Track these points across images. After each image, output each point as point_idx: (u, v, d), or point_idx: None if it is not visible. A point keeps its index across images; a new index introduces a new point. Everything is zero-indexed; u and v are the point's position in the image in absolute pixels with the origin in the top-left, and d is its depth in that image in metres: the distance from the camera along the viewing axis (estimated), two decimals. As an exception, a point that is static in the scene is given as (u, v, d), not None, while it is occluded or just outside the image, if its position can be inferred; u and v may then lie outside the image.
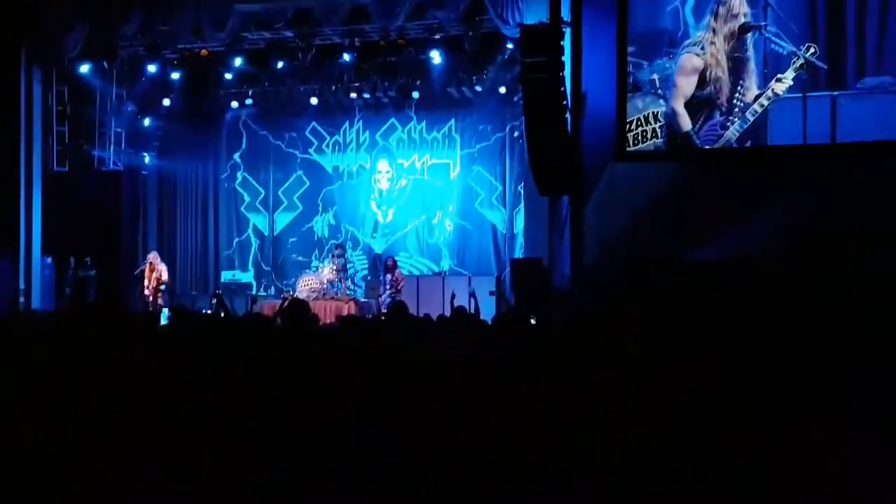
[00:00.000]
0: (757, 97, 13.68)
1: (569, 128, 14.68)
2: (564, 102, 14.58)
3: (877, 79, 13.09)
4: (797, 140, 13.59)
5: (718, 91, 14.00)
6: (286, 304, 8.81)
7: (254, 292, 20.19)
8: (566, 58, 14.59)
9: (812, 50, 13.28)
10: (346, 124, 20.98)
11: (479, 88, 18.85)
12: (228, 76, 19.60)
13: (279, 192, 21.51)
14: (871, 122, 13.09)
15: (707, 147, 14.10)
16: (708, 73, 14.06)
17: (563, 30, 14.52)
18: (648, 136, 14.49)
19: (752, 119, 13.73)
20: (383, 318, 13.22)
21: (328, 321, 13.90)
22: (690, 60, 14.16)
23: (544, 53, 14.53)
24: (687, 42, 14.14)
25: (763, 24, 13.64)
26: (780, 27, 13.52)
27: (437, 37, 17.17)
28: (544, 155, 14.83)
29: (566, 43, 14.59)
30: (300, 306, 7.40)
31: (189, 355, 5.26)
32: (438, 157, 20.46)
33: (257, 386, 4.20)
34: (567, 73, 14.61)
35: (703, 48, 14.10)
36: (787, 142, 13.69)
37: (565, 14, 14.54)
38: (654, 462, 3.29)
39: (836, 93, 13.30)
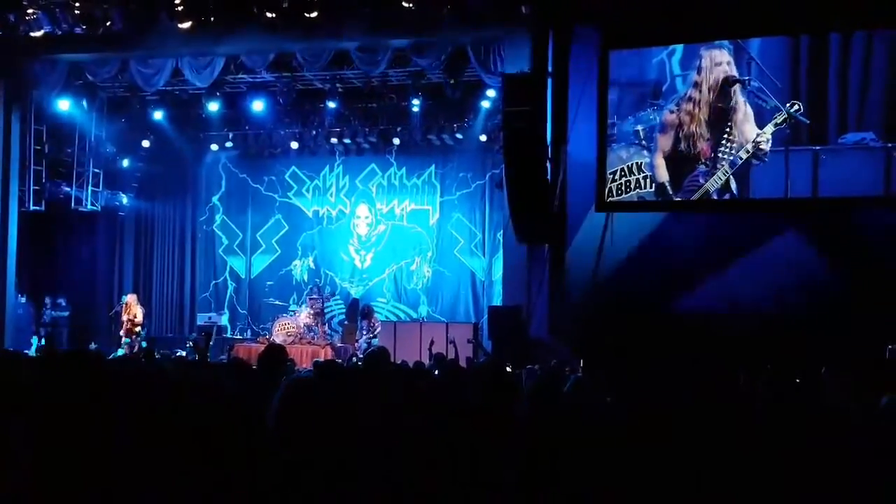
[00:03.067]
0: (740, 148, 13.75)
1: (549, 177, 14.69)
2: (545, 152, 14.60)
3: (858, 134, 13.19)
4: (779, 193, 13.66)
5: (693, 146, 14.06)
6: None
7: (229, 335, 20.00)
8: (548, 107, 14.64)
9: (796, 107, 13.38)
10: (326, 169, 20.97)
11: (459, 136, 18.91)
12: (208, 118, 19.55)
13: (257, 236, 21.43)
14: (851, 177, 13.18)
15: (688, 199, 14.14)
16: (682, 131, 14.14)
17: (546, 79, 14.58)
18: (632, 186, 14.52)
19: (731, 171, 13.80)
20: (360, 364, 13.10)
21: (304, 366, 13.79)
22: (666, 118, 14.26)
23: (526, 103, 14.57)
24: (672, 97, 14.24)
25: (747, 78, 13.75)
26: (763, 82, 13.63)
27: (419, 84, 17.20)
28: (524, 204, 14.82)
29: (548, 92, 14.65)
30: (277, 351, 7.30)
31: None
32: (418, 203, 20.47)
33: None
34: (549, 122, 14.65)
35: (677, 105, 14.18)
36: (769, 195, 13.76)
37: (548, 63, 14.60)
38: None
39: (817, 147, 13.39)
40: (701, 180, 14.06)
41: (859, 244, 12.76)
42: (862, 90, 13.27)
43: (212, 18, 15.11)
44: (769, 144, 13.55)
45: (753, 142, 13.62)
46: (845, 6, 12.87)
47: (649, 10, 13.72)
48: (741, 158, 13.75)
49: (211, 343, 15.00)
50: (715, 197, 13.97)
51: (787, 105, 13.45)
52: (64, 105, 18.25)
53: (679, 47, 14.29)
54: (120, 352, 17.06)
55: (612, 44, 14.61)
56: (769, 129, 13.55)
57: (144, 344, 17.72)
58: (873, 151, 13.08)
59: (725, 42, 13.95)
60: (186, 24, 15.14)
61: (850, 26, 13.26)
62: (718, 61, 13.95)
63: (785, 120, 13.47)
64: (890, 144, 13.01)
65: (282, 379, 6.66)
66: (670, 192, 14.25)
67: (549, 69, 14.65)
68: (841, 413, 4.86)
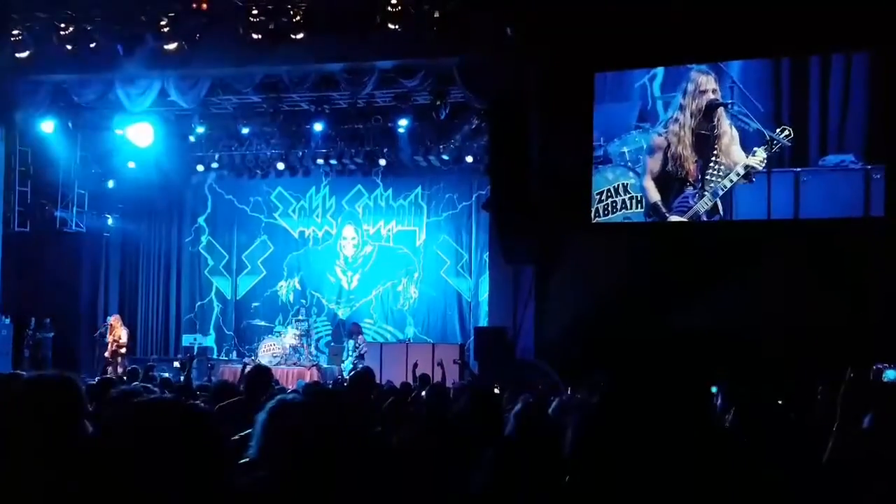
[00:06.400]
0: (727, 172, 13.87)
1: (535, 198, 14.73)
2: (531, 173, 14.65)
3: (838, 156, 13.34)
4: (762, 215, 13.76)
5: (681, 167, 14.20)
6: (247, 370, 8.64)
7: (215, 356, 19.92)
8: (534, 129, 14.69)
9: (786, 132, 13.52)
10: (313, 189, 20.97)
11: (446, 157, 18.91)
12: (194, 140, 19.55)
13: (243, 257, 21.38)
14: (832, 199, 13.32)
15: (674, 219, 14.25)
16: (670, 151, 14.26)
17: (532, 101, 14.64)
18: (619, 206, 14.62)
19: (720, 193, 13.91)
20: (346, 384, 13.07)
21: (290, 387, 13.74)
22: (654, 140, 14.39)
23: (512, 124, 14.64)
24: (659, 121, 14.38)
25: (730, 102, 13.88)
26: (746, 106, 13.77)
27: (405, 105, 17.24)
28: (509, 225, 14.87)
29: (534, 114, 14.71)
30: (262, 373, 7.28)
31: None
32: (404, 225, 20.47)
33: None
34: (534, 144, 14.70)
35: (665, 127, 14.33)
36: (752, 216, 13.91)
37: (534, 85, 14.66)
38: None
39: (798, 169, 13.52)
40: (691, 202, 14.19)
41: (840, 265, 12.85)
42: (842, 112, 13.44)
43: (197, 38, 15.12)
44: (762, 165, 13.69)
45: (744, 166, 13.74)
46: (823, 28, 12.99)
47: (633, 33, 13.80)
48: (725, 187, 13.90)
49: (193, 364, 14.92)
50: (704, 218, 14.08)
51: (778, 130, 13.60)
52: (49, 126, 18.21)
53: (660, 72, 14.45)
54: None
55: (597, 66, 14.71)
56: (761, 153, 13.67)
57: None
58: (853, 173, 13.24)
59: (705, 66, 14.11)
60: (172, 45, 15.15)
61: (828, 48, 13.42)
62: (704, 88, 14.11)
63: (771, 144, 13.59)
64: (869, 166, 13.17)
65: (264, 400, 6.67)
66: (663, 211, 14.36)
67: (535, 91, 14.72)
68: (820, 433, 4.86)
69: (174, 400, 3.14)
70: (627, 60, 14.61)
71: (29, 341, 18.75)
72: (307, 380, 16.22)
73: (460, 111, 17.30)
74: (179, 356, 19.06)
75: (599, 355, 13.16)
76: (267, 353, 18.35)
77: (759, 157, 13.73)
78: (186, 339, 20.34)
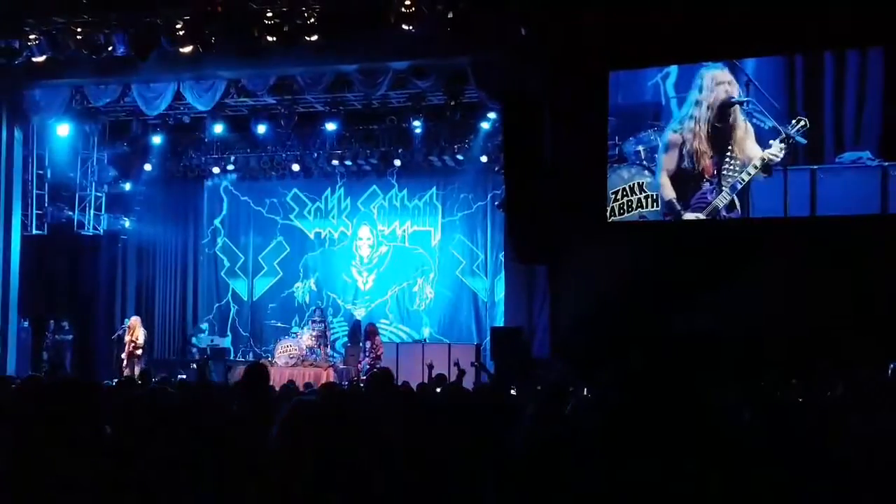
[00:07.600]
0: (743, 167, 13.83)
1: (548, 197, 14.72)
2: (545, 173, 14.64)
3: (855, 153, 13.28)
4: (778, 212, 13.73)
5: (697, 163, 14.16)
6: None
7: (231, 357, 19.97)
8: (548, 128, 14.68)
9: (802, 123, 13.46)
10: (328, 190, 21.01)
11: (460, 157, 18.95)
12: (210, 142, 19.62)
13: (259, 258, 21.44)
14: (849, 196, 13.26)
15: (689, 217, 14.20)
16: (685, 148, 14.23)
17: (546, 100, 14.63)
18: (634, 205, 14.60)
19: (738, 187, 13.88)
20: (362, 385, 13.09)
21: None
22: (670, 137, 14.36)
23: (526, 124, 14.64)
24: (673, 119, 14.34)
25: (746, 98, 13.84)
26: (761, 103, 13.72)
27: (420, 105, 17.27)
28: (523, 224, 14.86)
29: (548, 113, 14.69)
30: (258, 368, 7.30)
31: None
32: (420, 225, 20.49)
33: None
34: (549, 143, 14.69)
35: (680, 123, 14.30)
36: (768, 213, 13.87)
37: (548, 84, 14.65)
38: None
39: (815, 166, 13.47)
40: (709, 197, 14.17)
41: (858, 262, 12.81)
42: (858, 109, 13.37)
43: (212, 41, 15.17)
44: (780, 156, 13.64)
45: (761, 158, 13.70)
46: (837, 24, 12.92)
47: (647, 31, 13.78)
48: (743, 181, 13.85)
49: (209, 365, 14.99)
50: (724, 214, 14.04)
51: (793, 122, 13.55)
52: (66, 129, 18.30)
53: (673, 70, 14.43)
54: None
55: (612, 64, 14.70)
56: (777, 146, 13.62)
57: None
58: (870, 170, 13.17)
59: (720, 63, 14.08)
60: (188, 49, 15.20)
61: (843, 44, 13.36)
62: (720, 80, 14.08)
63: (785, 139, 13.54)
64: (886, 163, 13.10)
65: (266, 397, 6.71)
66: (678, 209, 14.34)
67: (549, 90, 14.70)
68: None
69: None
70: (641, 59, 14.59)
71: (48, 343, 18.86)
72: (323, 380, 16.26)
73: (475, 111, 17.32)
74: (196, 357, 19.17)
75: (615, 355, 13.15)
76: (283, 353, 18.37)
77: (775, 149, 13.68)
78: (203, 341, 20.39)
